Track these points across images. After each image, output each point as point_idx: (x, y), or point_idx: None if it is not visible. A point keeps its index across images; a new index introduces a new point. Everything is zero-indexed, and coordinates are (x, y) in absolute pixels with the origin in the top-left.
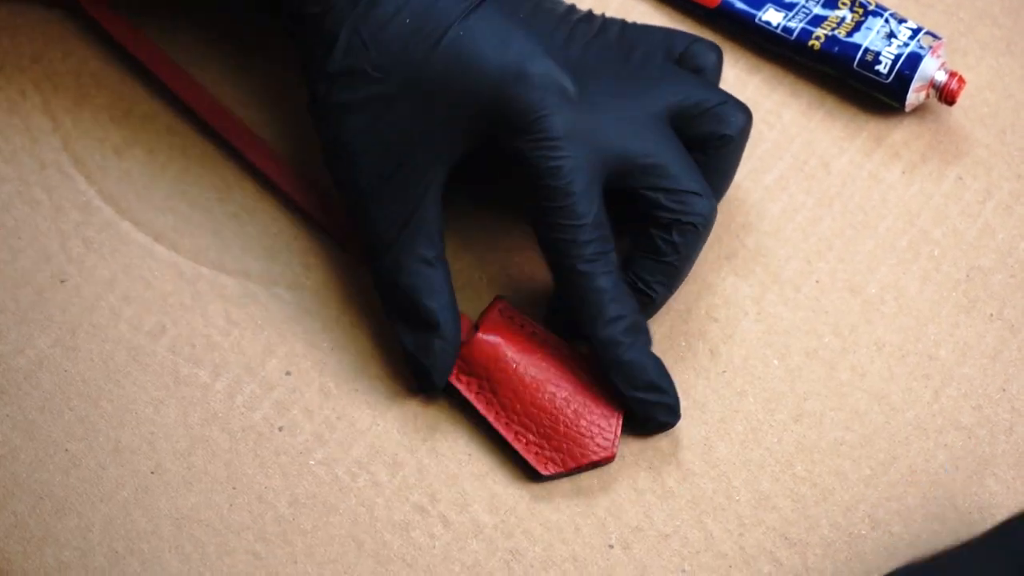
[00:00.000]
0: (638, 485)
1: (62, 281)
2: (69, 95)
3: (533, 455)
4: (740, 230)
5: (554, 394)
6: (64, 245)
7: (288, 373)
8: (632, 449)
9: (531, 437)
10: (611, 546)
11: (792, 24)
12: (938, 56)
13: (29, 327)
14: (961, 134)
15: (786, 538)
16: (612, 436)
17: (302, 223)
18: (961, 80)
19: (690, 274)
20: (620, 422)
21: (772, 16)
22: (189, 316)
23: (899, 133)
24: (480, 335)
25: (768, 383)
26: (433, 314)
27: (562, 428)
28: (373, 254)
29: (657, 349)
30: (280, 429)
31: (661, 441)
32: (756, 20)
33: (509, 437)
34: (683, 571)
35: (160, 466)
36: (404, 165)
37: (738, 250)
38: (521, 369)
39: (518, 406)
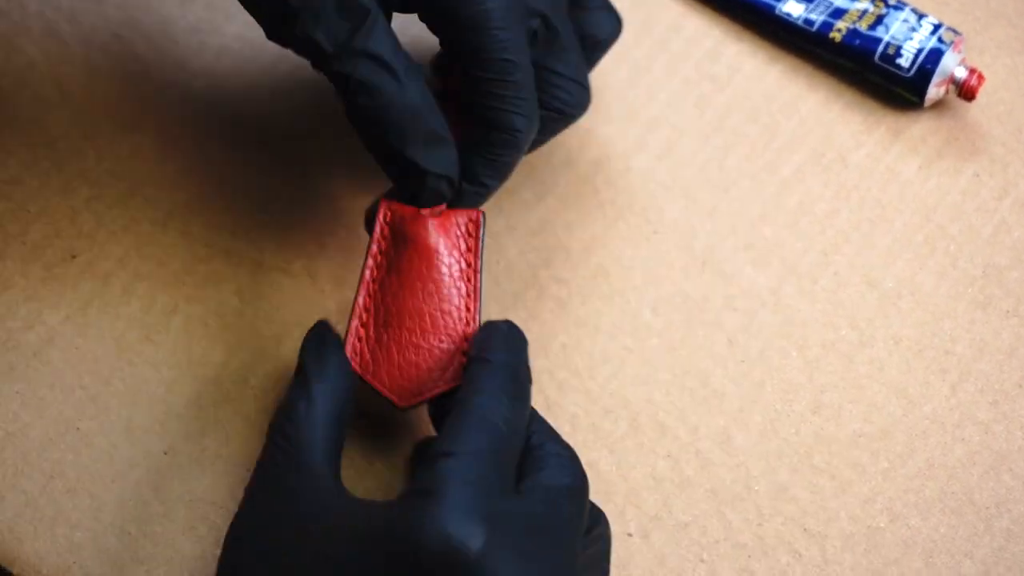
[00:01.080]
0: (657, 473)
1: (73, 257)
2: (79, 67)
3: (355, 341)
4: (757, 221)
5: (425, 320)
6: (75, 220)
7: None
8: (650, 437)
9: (371, 329)
10: (630, 534)
11: (813, 16)
12: (959, 52)
13: (39, 303)
14: (978, 131)
15: (805, 529)
16: (410, 393)
17: (316, 205)
18: (981, 76)
19: (708, 264)
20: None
21: (793, 7)
22: (202, 295)
23: (917, 128)
24: (421, 218)
25: (786, 374)
26: (444, 127)
27: (407, 351)
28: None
29: (674, 338)
30: None
31: (680, 430)
32: (776, 11)
33: (359, 299)
34: (702, 560)
35: (173, 447)
36: None
37: (756, 241)
38: (424, 275)
39: (389, 298)
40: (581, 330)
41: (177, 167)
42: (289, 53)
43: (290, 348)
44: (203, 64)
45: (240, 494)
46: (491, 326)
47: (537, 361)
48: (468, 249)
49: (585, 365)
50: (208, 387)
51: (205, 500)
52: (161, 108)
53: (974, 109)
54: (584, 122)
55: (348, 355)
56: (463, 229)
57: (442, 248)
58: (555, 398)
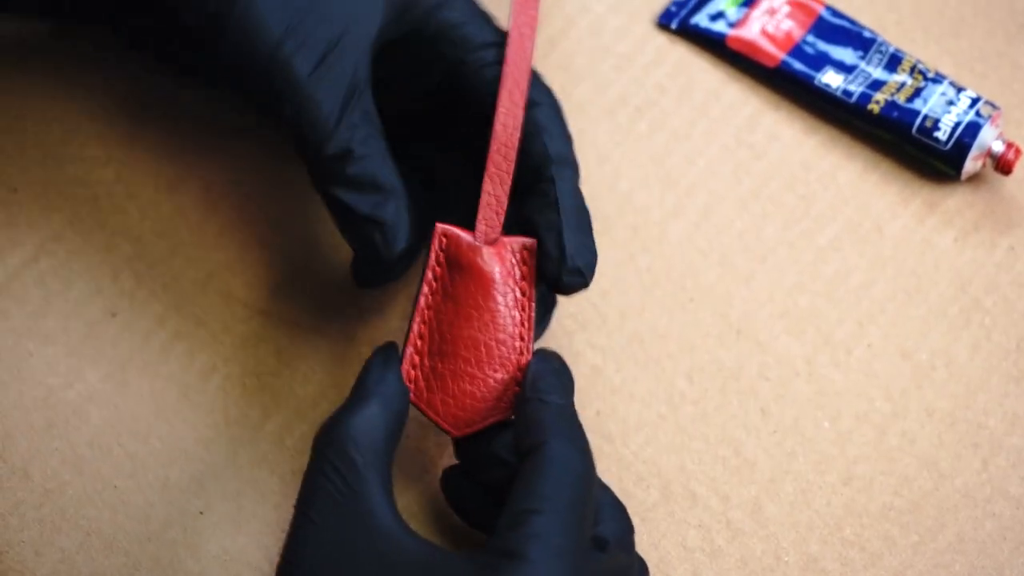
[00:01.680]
0: (687, 543)
1: (113, 315)
2: (123, 127)
3: (409, 369)
4: (793, 290)
5: (480, 349)
6: (116, 278)
7: None
8: (682, 506)
9: (425, 357)
10: None
11: (852, 87)
12: (996, 126)
13: (79, 360)
14: (1014, 204)
15: None
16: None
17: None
18: (1018, 151)
19: (743, 332)
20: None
21: (832, 79)
22: (240, 355)
23: (953, 200)
24: (477, 245)
25: (818, 445)
26: (393, 177)
27: (462, 380)
28: (315, 142)
29: (708, 406)
30: None
31: (711, 500)
32: (815, 82)
33: (412, 327)
34: None
35: (209, 506)
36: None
37: (790, 310)
38: (480, 303)
39: (444, 326)
40: (615, 397)
41: (218, 228)
42: None
43: (326, 410)
44: (245, 127)
45: (276, 556)
46: (543, 360)
47: None
48: (523, 277)
49: (619, 432)
50: (245, 447)
51: (240, 560)
52: (203, 169)
53: (1010, 183)
54: (622, 188)
55: (405, 377)
56: (518, 257)
57: (497, 276)
58: None
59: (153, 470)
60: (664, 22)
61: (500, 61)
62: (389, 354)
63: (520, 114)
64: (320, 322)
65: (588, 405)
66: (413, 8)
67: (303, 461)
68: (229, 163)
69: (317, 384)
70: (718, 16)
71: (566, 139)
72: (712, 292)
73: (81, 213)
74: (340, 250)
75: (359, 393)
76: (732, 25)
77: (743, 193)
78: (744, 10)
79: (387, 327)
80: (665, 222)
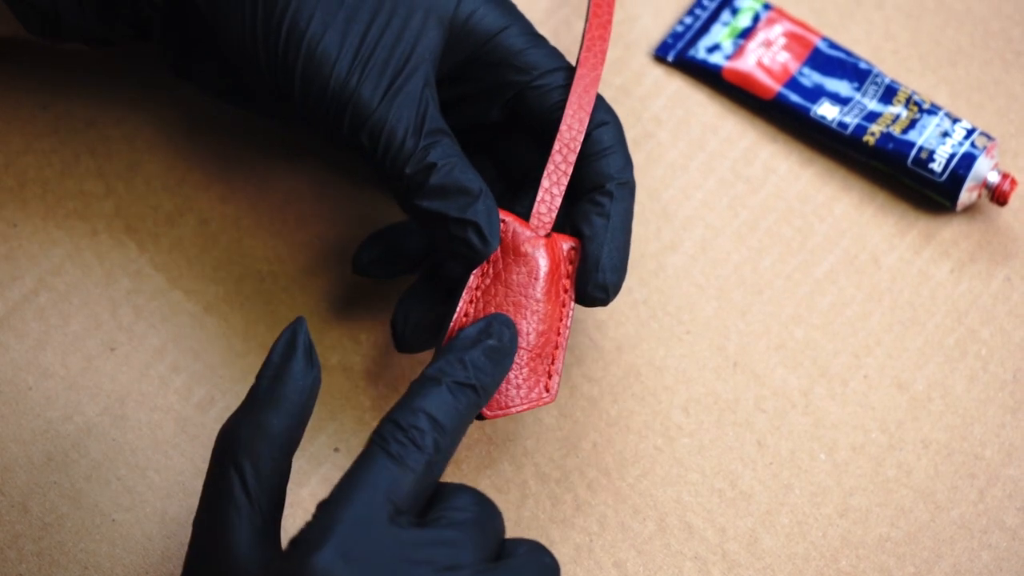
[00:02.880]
0: (683, 575)
1: (112, 349)
2: (123, 161)
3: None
4: (790, 322)
5: (522, 337)
6: (115, 312)
7: (336, 449)
8: (678, 538)
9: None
10: None
11: (847, 119)
12: (991, 157)
13: (78, 394)
14: (1010, 235)
15: None
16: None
17: (352, 300)
18: (1013, 181)
19: (739, 364)
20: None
21: (827, 110)
22: (238, 388)
23: (949, 231)
24: (530, 236)
25: (814, 477)
26: (477, 181)
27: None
28: (396, 165)
29: (704, 439)
30: None
31: (707, 532)
32: (811, 114)
33: (460, 305)
34: None
35: None
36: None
37: (787, 342)
38: (529, 292)
39: (491, 308)
40: (612, 429)
41: (216, 262)
42: (330, 156)
43: (324, 442)
44: (246, 161)
45: None
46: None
47: (568, 459)
48: (567, 275)
49: (615, 464)
50: None
51: None
52: (201, 203)
53: (1006, 213)
54: None
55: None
56: (566, 255)
57: (547, 268)
58: (585, 497)
59: (151, 503)
60: (661, 54)
61: (567, 84)
62: (294, 338)
63: (586, 119)
64: (318, 356)
65: (584, 438)
66: (472, 34)
67: (301, 494)
68: (227, 197)
69: (315, 417)
70: (714, 48)
71: (628, 161)
72: (709, 325)
73: (80, 247)
74: (338, 285)
75: (253, 393)
76: (728, 57)
77: (740, 226)
78: (740, 42)
79: (385, 361)
80: (662, 255)
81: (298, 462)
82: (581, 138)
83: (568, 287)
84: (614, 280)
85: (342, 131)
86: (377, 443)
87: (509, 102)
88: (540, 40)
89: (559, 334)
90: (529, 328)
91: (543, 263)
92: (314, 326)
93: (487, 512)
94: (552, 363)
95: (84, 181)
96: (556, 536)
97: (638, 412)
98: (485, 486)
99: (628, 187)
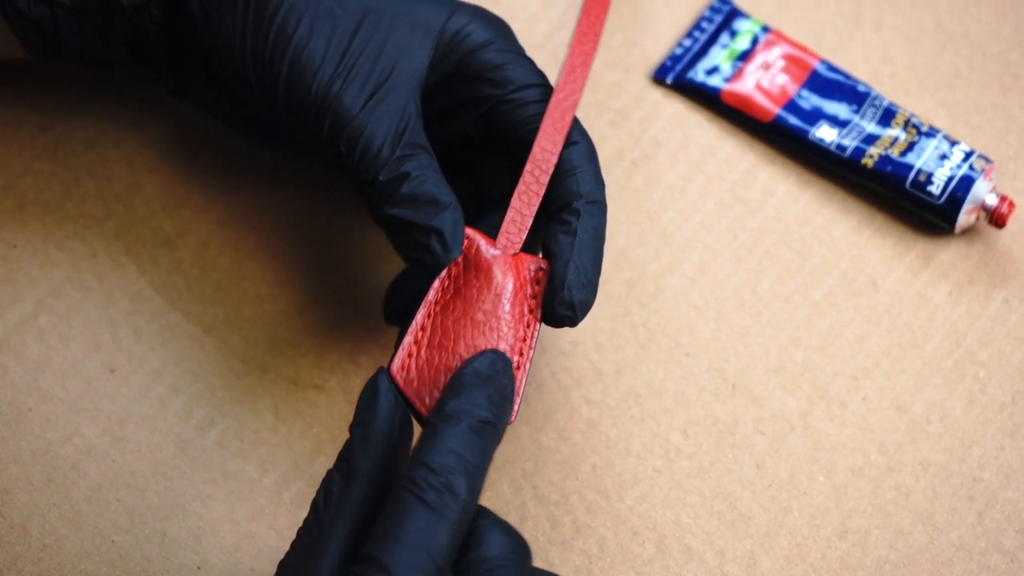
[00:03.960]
0: None
1: (112, 370)
2: (122, 183)
3: (405, 356)
4: (788, 344)
5: (477, 350)
6: (114, 334)
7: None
8: (677, 560)
9: (424, 348)
10: None
11: (846, 142)
12: (990, 179)
13: (78, 416)
14: (1008, 257)
15: None
16: None
17: (351, 323)
18: (1011, 204)
19: (738, 387)
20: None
21: (826, 133)
22: (238, 410)
23: (947, 254)
24: (496, 254)
25: (813, 499)
26: (450, 195)
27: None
28: (370, 172)
29: (703, 461)
30: None
31: (707, 554)
32: (809, 136)
33: (417, 318)
34: None
35: (206, 561)
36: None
37: (786, 364)
38: (487, 308)
39: (449, 322)
40: (611, 451)
41: (215, 283)
42: (329, 180)
43: (323, 465)
44: (245, 182)
45: None
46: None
47: (567, 482)
48: (533, 295)
49: (615, 487)
50: (242, 502)
51: None
52: (201, 225)
53: (1004, 236)
54: (618, 243)
55: (394, 371)
56: (532, 275)
57: (510, 287)
58: (584, 519)
59: (151, 525)
60: (660, 77)
61: (541, 100)
62: (375, 387)
63: (560, 141)
64: (317, 378)
65: (583, 460)
66: (457, 48)
67: (300, 516)
68: (226, 219)
69: (314, 440)
70: (713, 71)
71: (598, 181)
72: (708, 347)
73: (80, 269)
74: (338, 306)
75: (345, 448)
76: (727, 80)
77: (738, 248)
78: (739, 64)
79: None
80: (661, 277)
81: (297, 483)
82: (554, 160)
83: (534, 307)
84: (581, 297)
85: (322, 135)
86: (412, 491)
87: (485, 116)
88: (521, 57)
89: (521, 355)
90: (487, 346)
91: (505, 281)
92: (313, 348)
93: (521, 554)
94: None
95: (84, 203)
96: (555, 558)
97: (637, 434)
98: None
99: (598, 206)
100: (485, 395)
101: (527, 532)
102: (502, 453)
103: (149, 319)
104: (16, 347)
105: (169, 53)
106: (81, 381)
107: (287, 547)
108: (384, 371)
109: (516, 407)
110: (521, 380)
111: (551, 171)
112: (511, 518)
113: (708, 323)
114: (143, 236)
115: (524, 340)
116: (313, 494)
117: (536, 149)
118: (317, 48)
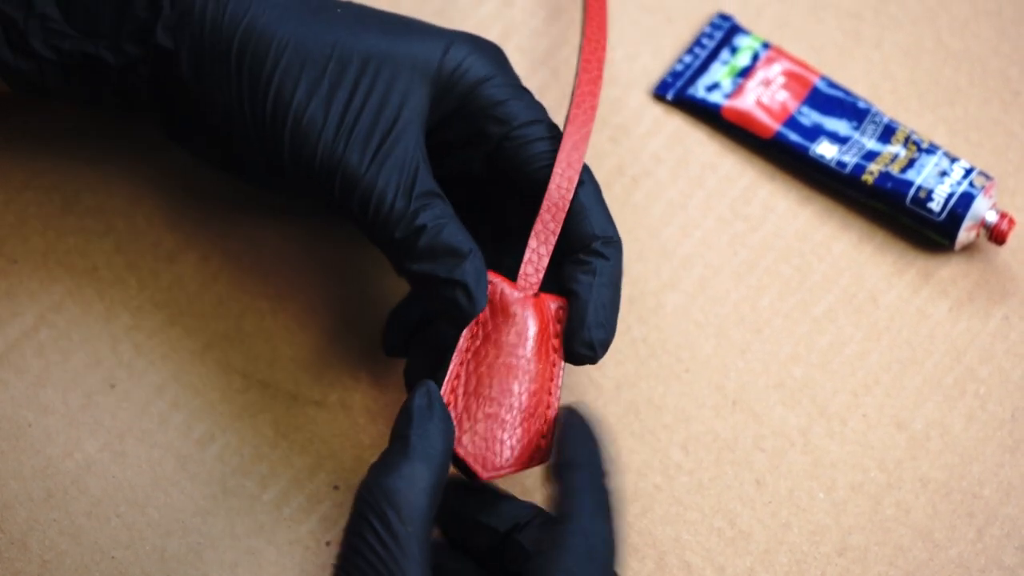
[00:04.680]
0: None
1: (112, 385)
2: (123, 198)
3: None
4: (789, 361)
5: (513, 397)
6: (115, 349)
7: (336, 487)
8: None
9: (460, 397)
10: None
11: (846, 158)
12: (990, 196)
13: (78, 430)
14: (1008, 274)
15: None
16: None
17: (352, 339)
18: (1011, 221)
19: (738, 403)
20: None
21: (826, 149)
22: (238, 426)
23: (947, 270)
24: (519, 296)
25: (813, 516)
26: (468, 242)
27: (494, 424)
28: (386, 229)
29: (703, 477)
30: (327, 544)
31: (706, 571)
32: (809, 152)
33: (452, 367)
34: None
35: None
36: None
37: (786, 381)
38: (519, 352)
39: (483, 368)
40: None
41: (216, 298)
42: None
43: (323, 480)
44: (245, 197)
45: None
46: (573, 422)
47: None
48: (556, 335)
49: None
50: (242, 517)
51: None
52: (201, 240)
53: (1004, 253)
54: None
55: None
56: (554, 314)
57: (536, 330)
58: None
59: (151, 540)
60: (660, 93)
61: (544, 137)
62: (432, 396)
63: (575, 178)
64: (317, 393)
65: None
66: (458, 85)
67: (300, 531)
68: (227, 234)
69: (314, 455)
70: (714, 87)
71: (609, 219)
72: (708, 363)
73: (81, 283)
74: (338, 322)
75: (400, 446)
76: (728, 96)
77: (738, 264)
78: (739, 81)
79: (385, 399)
80: (661, 293)
81: (297, 499)
82: (569, 197)
83: (557, 346)
84: (600, 337)
85: (333, 197)
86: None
87: (490, 155)
88: (522, 92)
89: (550, 394)
90: (521, 389)
91: (532, 323)
92: (313, 363)
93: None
94: (545, 423)
95: (84, 218)
96: None
97: (637, 450)
98: None
99: (614, 245)
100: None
101: None
102: None
103: (149, 334)
104: (16, 361)
105: (162, 110)
106: (81, 396)
107: (287, 562)
108: (431, 384)
109: (549, 445)
110: (552, 419)
111: (567, 209)
112: None
113: (708, 339)
114: (144, 251)
115: (552, 379)
116: (313, 509)
117: (552, 187)
118: (317, 110)
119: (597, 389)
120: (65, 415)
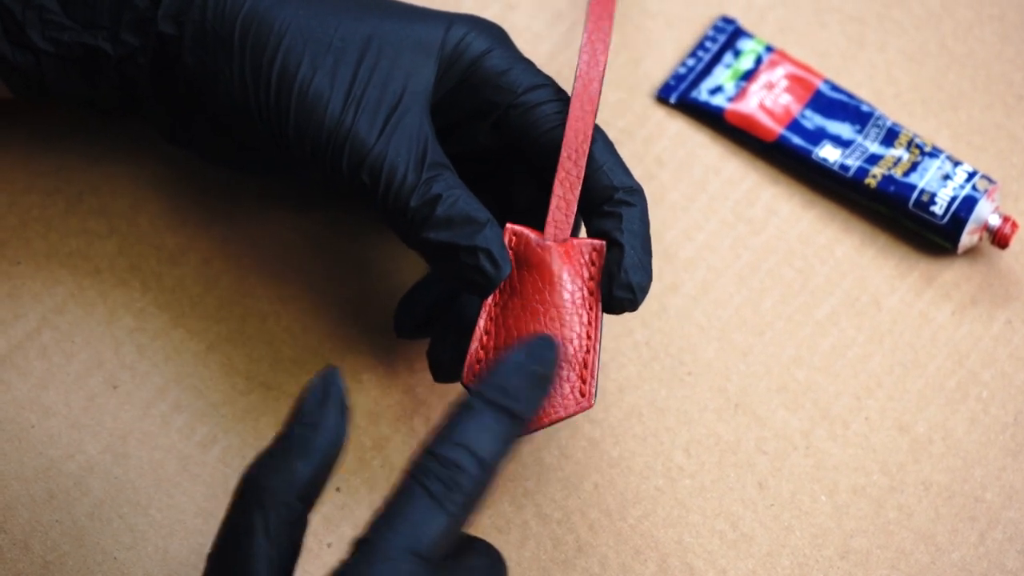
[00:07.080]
0: None
1: (114, 387)
2: (126, 200)
3: (474, 363)
4: (791, 364)
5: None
6: (117, 351)
7: (338, 489)
8: None
9: (491, 352)
10: None
11: (849, 162)
12: (993, 200)
13: (80, 432)
14: (1011, 278)
15: None
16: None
17: (354, 341)
18: (1014, 224)
19: (741, 406)
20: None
21: (829, 153)
22: (240, 427)
23: (950, 274)
24: (547, 244)
25: (815, 519)
26: (483, 211)
27: None
28: (400, 200)
29: (705, 480)
30: (329, 545)
31: (708, 573)
32: (813, 156)
33: (480, 323)
34: None
35: None
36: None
37: (788, 384)
38: (545, 298)
39: (511, 321)
40: (613, 470)
41: (218, 300)
42: (332, 198)
43: None
44: (248, 198)
45: None
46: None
47: (569, 500)
48: (591, 277)
49: (616, 505)
50: None
51: None
52: (204, 243)
53: (1007, 256)
54: None
55: (466, 379)
56: (587, 258)
57: (565, 275)
58: (586, 538)
59: (153, 542)
60: (663, 96)
61: (552, 99)
62: (329, 387)
63: (591, 122)
64: None
65: (586, 478)
66: (460, 59)
67: None
68: (229, 237)
69: None
70: (717, 90)
71: (627, 170)
72: (710, 366)
73: (83, 286)
74: (341, 324)
75: (284, 439)
76: (731, 99)
77: (741, 268)
78: (742, 84)
79: (387, 400)
80: (664, 296)
81: None
82: (587, 145)
83: (594, 289)
84: (639, 279)
85: (342, 172)
86: (416, 478)
87: (496, 124)
88: (524, 61)
89: (589, 338)
90: (553, 335)
91: (560, 270)
92: (316, 366)
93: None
94: (585, 367)
95: (87, 220)
96: None
97: (640, 453)
98: (486, 526)
99: (638, 193)
100: (511, 386)
101: (529, 551)
102: (504, 471)
103: (152, 336)
104: (19, 363)
105: (162, 101)
106: (84, 398)
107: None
108: (336, 370)
109: (594, 390)
110: (594, 363)
111: (586, 155)
112: (513, 536)
113: (711, 342)
114: (146, 253)
115: (590, 324)
116: (314, 512)
117: (568, 134)
118: (322, 83)
119: (600, 392)
120: (68, 417)
